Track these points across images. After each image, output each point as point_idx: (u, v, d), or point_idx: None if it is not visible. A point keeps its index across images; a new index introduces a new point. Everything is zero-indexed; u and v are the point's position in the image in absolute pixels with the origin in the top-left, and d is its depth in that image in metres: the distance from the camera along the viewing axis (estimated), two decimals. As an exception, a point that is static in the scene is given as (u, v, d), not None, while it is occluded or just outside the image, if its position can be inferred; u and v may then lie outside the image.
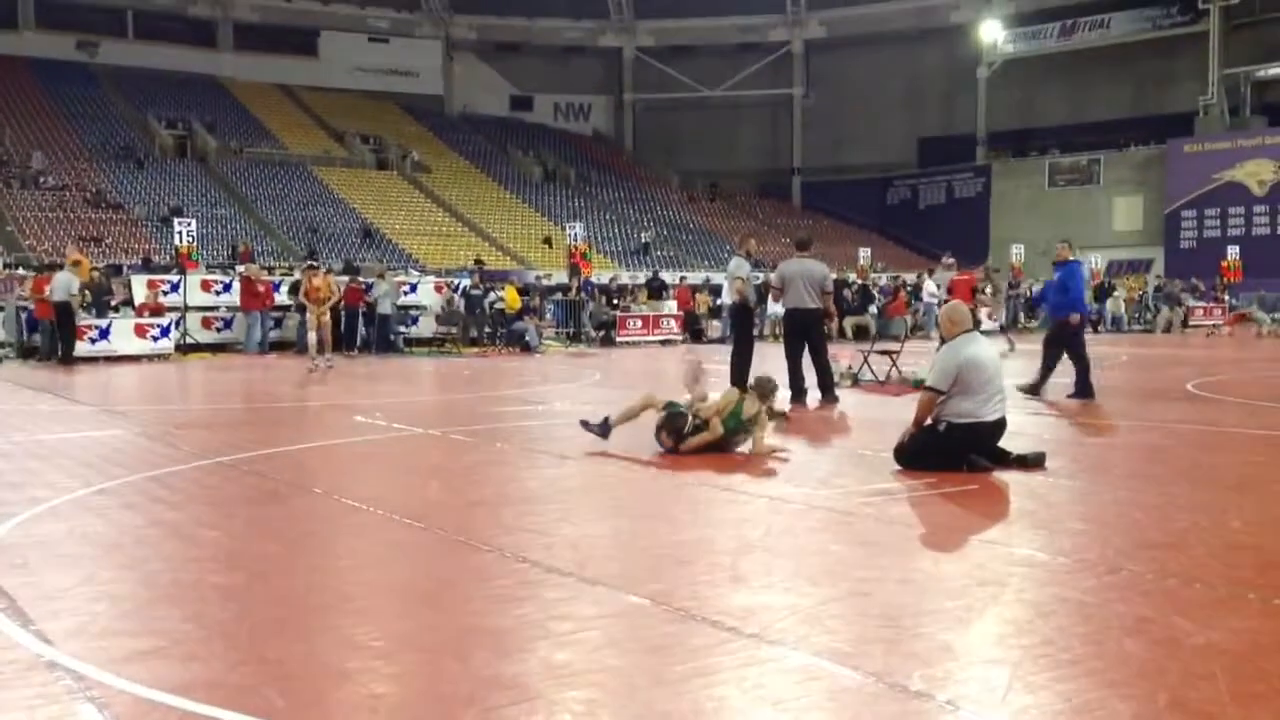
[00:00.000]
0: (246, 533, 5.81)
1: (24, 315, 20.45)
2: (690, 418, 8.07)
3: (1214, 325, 30.44)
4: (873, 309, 26.82)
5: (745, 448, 8.04)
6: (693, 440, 7.96)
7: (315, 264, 17.81)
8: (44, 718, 3.17)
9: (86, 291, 20.17)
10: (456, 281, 25.10)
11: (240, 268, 22.72)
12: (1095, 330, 30.66)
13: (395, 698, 3.43)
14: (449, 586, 4.75)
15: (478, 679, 3.52)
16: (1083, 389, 11.93)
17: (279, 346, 21.71)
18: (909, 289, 29.58)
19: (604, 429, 8.40)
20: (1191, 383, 13.93)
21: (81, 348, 19.13)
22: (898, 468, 7.35)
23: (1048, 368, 12.21)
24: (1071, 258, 12.80)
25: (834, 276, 13.65)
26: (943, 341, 7.92)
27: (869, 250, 34.18)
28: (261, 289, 21.79)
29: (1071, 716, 3.17)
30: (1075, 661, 3.65)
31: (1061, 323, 12.25)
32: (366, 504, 6.41)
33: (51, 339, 19.44)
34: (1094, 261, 38.45)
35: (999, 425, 7.43)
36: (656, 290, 29.60)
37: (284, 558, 5.21)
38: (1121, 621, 4.11)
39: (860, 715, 3.21)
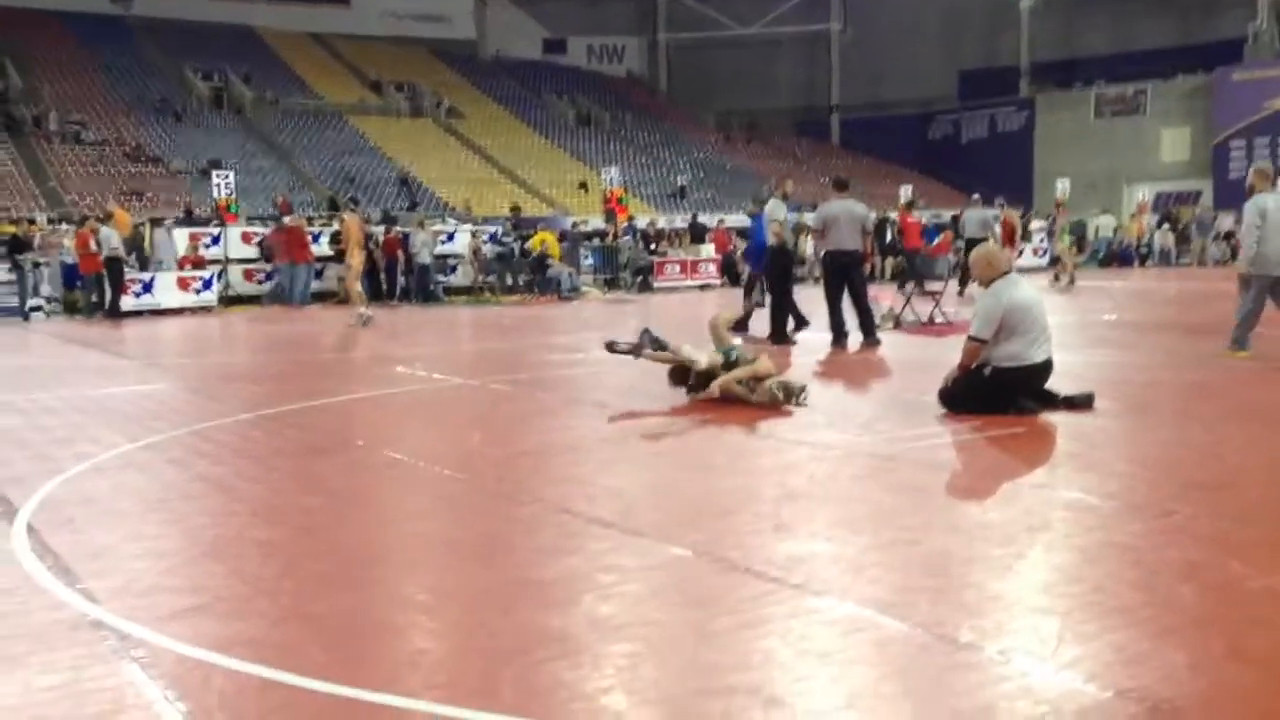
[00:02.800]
0: (289, 487, 5.83)
1: (65, 270, 20.67)
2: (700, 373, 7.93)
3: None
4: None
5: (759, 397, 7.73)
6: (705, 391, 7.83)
7: (354, 207, 17.74)
8: (90, 677, 3.19)
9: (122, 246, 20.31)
10: (486, 233, 25.03)
11: (286, 219, 22.77)
12: (1143, 264, 30.15)
13: (438, 652, 3.42)
14: (492, 539, 4.74)
15: (521, 632, 3.50)
16: None
17: (321, 297, 21.80)
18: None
19: (635, 350, 8.32)
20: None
21: (125, 301, 19.34)
22: (943, 411, 7.24)
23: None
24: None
25: (874, 216, 13.44)
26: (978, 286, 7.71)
27: (910, 188, 33.62)
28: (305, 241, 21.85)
29: (1124, 668, 3.10)
30: (1126, 610, 3.57)
31: None
32: (409, 456, 6.42)
33: (95, 293, 19.64)
34: (1141, 194, 37.75)
35: (1046, 366, 7.28)
36: (699, 234, 29.30)
37: (326, 512, 5.22)
38: (1174, 567, 4.02)
39: (908, 667, 3.15)
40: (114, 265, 18.97)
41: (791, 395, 7.62)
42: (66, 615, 3.74)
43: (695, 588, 3.92)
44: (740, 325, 12.22)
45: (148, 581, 4.10)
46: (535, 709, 2.92)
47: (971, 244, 15.76)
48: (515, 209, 30.44)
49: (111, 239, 19.00)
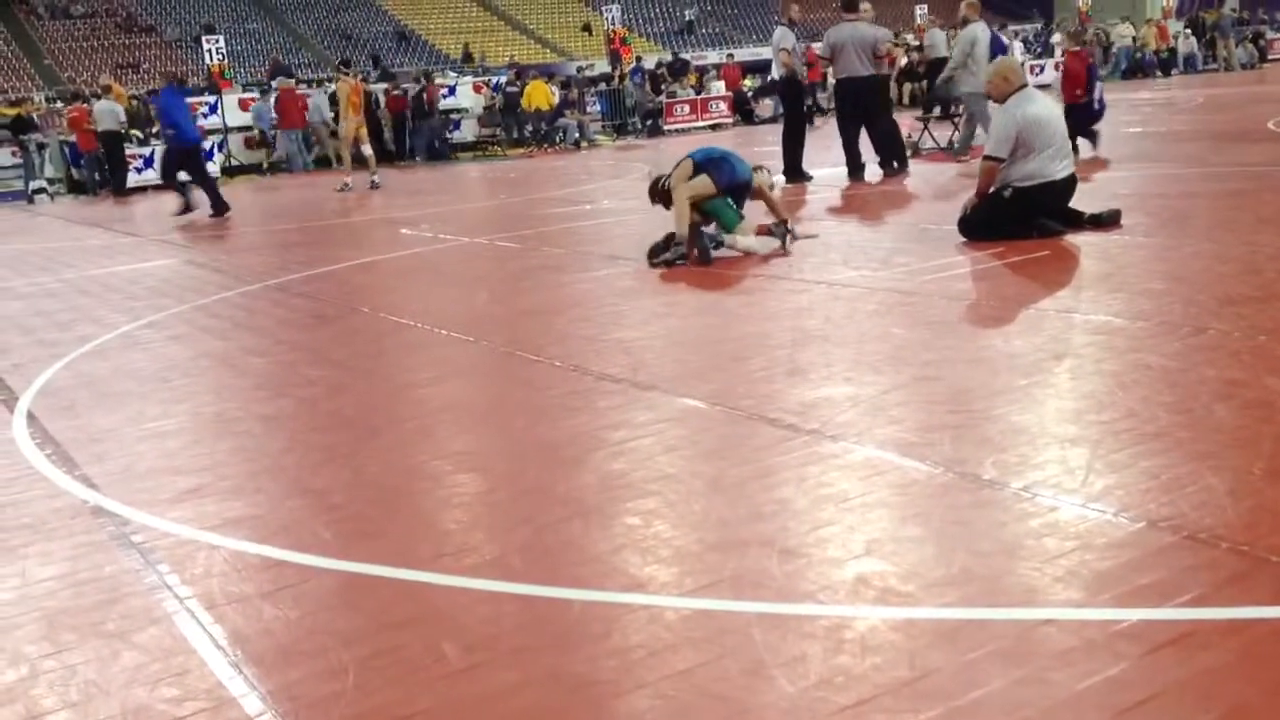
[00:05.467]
0: (294, 358, 5.70)
1: (67, 150, 20.31)
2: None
3: None
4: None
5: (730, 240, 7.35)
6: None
7: (346, 71, 16.98)
8: (88, 566, 3.11)
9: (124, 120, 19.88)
10: (494, 79, 24.31)
11: (275, 82, 22.08)
12: (1167, 74, 29.12)
13: (447, 522, 3.32)
14: (501, 401, 4.61)
15: (531, 496, 3.39)
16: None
17: (323, 163, 21.38)
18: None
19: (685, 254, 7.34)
20: (1273, 121, 13.12)
21: (129, 178, 19.05)
22: (963, 240, 6.98)
23: None
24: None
25: (889, 38, 12.84)
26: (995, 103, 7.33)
27: (925, 7, 32.34)
28: (300, 104, 21.29)
29: (1160, 494, 2.95)
30: (1161, 434, 3.41)
31: None
32: (415, 320, 6.27)
33: (97, 171, 19.34)
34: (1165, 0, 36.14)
35: (1070, 183, 6.99)
36: (679, 72, 27.98)
37: (332, 382, 5.09)
38: (1210, 386, 3.85)
39: (929, 510, 3.02)
40: (112, 140, 18.59)
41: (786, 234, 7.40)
42: (65, 504, 3.66)
43: (708, 440, 3.78)
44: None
45: (148, 464, 4.01)
46: (544, 574, 2.82)
47: (935, 65, 15.00)
48: (515, 63, 29.46)
49: (109, 114, 18.57)
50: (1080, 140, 10.60)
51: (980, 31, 12.04)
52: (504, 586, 2.76)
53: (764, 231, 7.42)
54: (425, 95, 21.95)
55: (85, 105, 19.82)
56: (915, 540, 2.85)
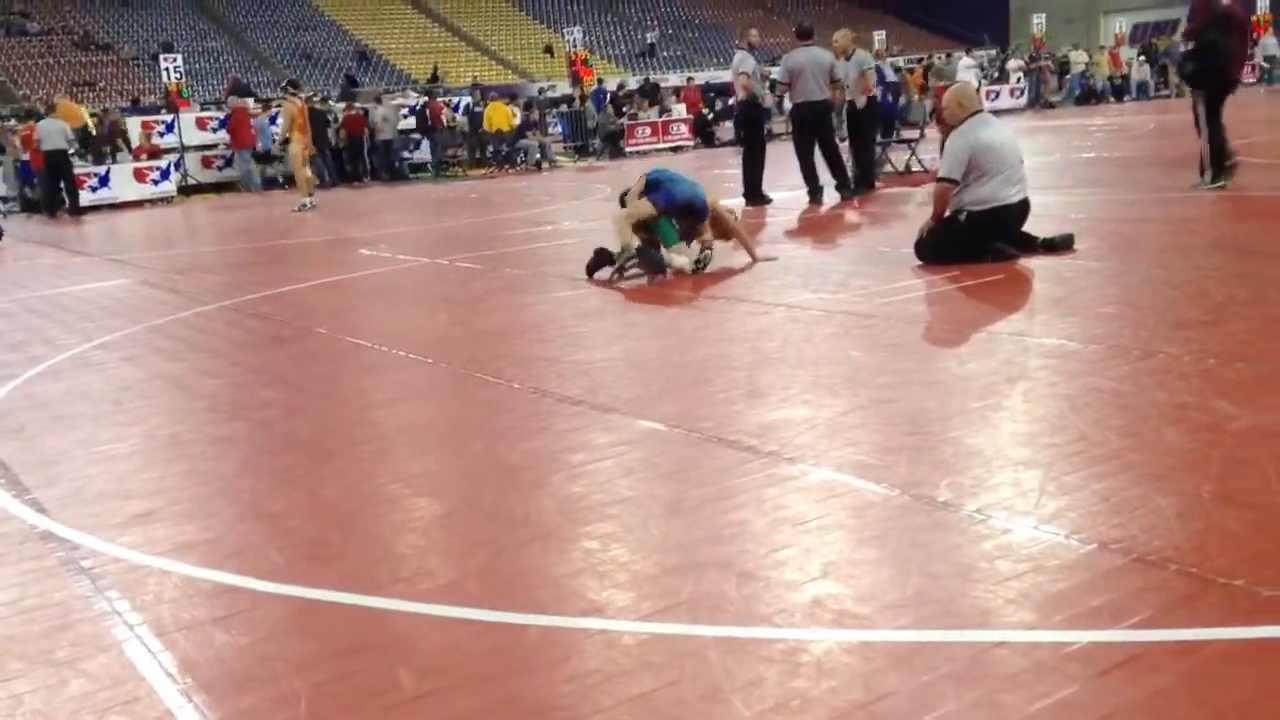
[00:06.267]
0: (249, 380, 5.65)
1: (20, 168, 20.06)
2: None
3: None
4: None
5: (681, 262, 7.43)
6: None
7: (294, 91, 16.87)
8: (36, 593, 3.05)
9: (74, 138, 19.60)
10: (456, 100, 24.30)
11: (228, 101, 21.94)
12: (1120, 100, 29.65)
13: (403, 546, 3.29)
14: (459, 424, 4.59)
15: (488, 520, 3.37)
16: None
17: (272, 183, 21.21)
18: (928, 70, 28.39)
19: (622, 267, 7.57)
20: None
21: (83, 197, 18.83)
22: (919, 263, 7.05)
23: None
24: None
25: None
26: (951, 129, 7.44)
27: (884, 33, 32.74)
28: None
29: (1110, 516, 2.99)
30: (1112, 456, 3.45)
31: None
32: (373, 341, 6.23)
33: (50, 190, 19.09)
34: (1119, 26, 36.84)
35: (1023, 207, 7.09)
36: (650, 95, 28.28)
37: (287, 404, 5.05)
38: (1160, 410, 3.90)
39: (886, 532, 3.04)
40: (58, 159, 18.32)
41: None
42: (14, 528, 3.59)
43: (667, 462, 3.79)
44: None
45: (99, 488, 3.95)
46: (501, 598, 2.80)
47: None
48: (477, 83, 29.49)
49: (66, 131, 18.32)
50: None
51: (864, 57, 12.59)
52: (460, 611, 2.74)
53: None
54: (429, 111, 22.04)
55: (33, 124, 19.58)
56: (871, 563, 2.86)
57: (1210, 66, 9.40)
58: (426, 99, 22.78)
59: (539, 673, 2.41)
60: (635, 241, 7.39)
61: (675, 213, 7.54)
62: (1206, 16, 9.45)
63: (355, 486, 3.83)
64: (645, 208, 7.50)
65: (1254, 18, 33.64)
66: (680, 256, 7.40)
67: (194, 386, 5.53)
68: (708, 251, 7.60)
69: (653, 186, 7.61)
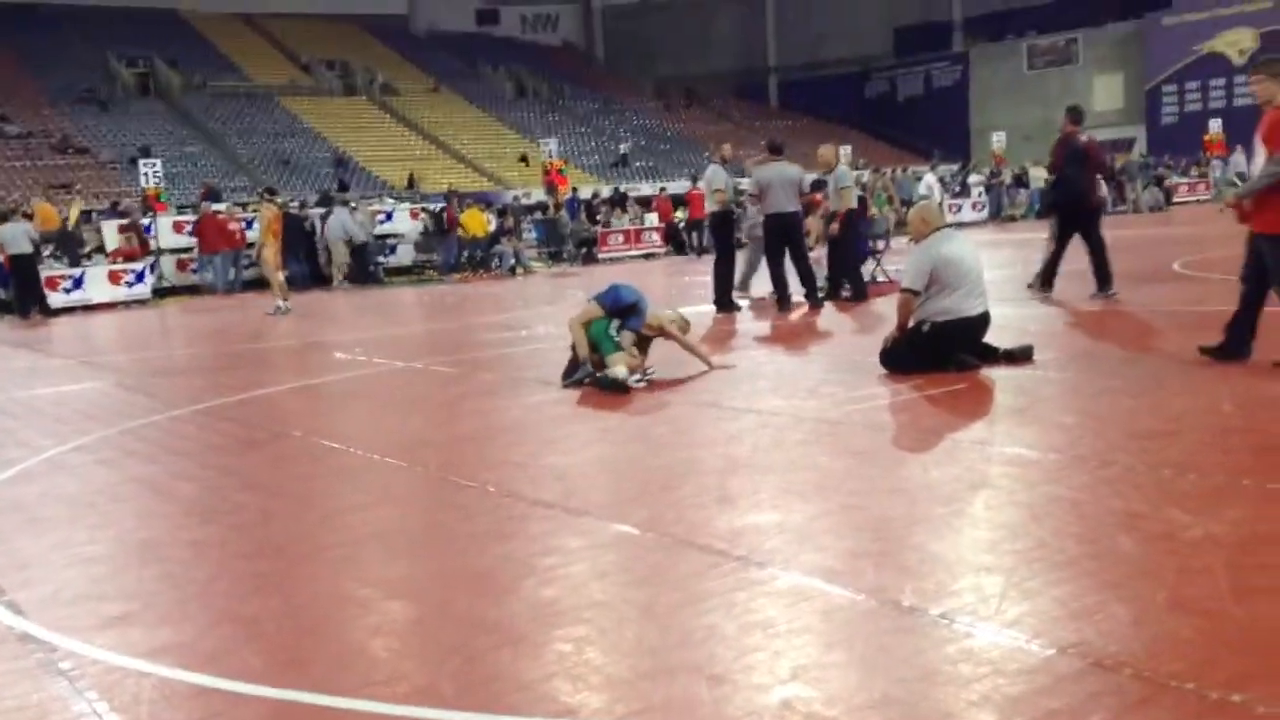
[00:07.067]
0: (223, 484, 5.69)
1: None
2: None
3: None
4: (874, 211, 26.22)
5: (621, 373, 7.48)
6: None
7: (271, 197, 17.20)
8: (14, 694, 3.07)
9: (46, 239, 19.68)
10: (433, 207, 24.70)
11: (204, 205, 22.22)
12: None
13: (377, 650, 3.33)
14: (433, 528, 4.65)
15: (462, 624, 3.43)
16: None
17: (252, 285, 21.35)
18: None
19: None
20: (1178, 262, 13.79)
21: (56, 299, 18.89)
22: (884, 372, 7.24)
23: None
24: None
25: (812, 177, 13.40)
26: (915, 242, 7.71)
27: (849, 147, 33.65)
28: (234, 228, 21.41)
29: (1067, 623, 3.09)
30: (1071, 563, 3.57)
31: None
32: (347, 444, 6.30)
33: (21, 293, 19.10)
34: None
35: (983, 319, 7.31)
36: (618, 201, 28.93)
37: (261, 508, 5.10)
38: (1116, 518, 4.02)
39: (852, 636, 3.12)
40: (24, 263, 18.34)
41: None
42: (-11, 631, 3.61)
43: (639, 566, 3.86)
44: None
45: (76, 590, 3.98)
46: (475, 701, 2.85)
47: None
48: (452, 191, 30.00)
49: (19, 237, 18.30)
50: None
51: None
52: (435, 714, 2.79)
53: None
54: (445, 215, 22.38)
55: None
56: (839, 666, 2.94)
57: (1067, 196, 10.92)
58: (323, 210, 23.13)
59: (514, 774, 2.46)
60: (588, 354, 7.65)
61: (620, 314, 7.78)
62: (1065, 151, 10.82)
63: (329, 590, 3.87)
64: (593, 309, 7.82)
65: (1205, 138, 34.96)
66: (620, 367, 7.51)
67: (168, 490, 5.57)
68: (652, 369, 7.73)
69: (604, 291, 7.96)
